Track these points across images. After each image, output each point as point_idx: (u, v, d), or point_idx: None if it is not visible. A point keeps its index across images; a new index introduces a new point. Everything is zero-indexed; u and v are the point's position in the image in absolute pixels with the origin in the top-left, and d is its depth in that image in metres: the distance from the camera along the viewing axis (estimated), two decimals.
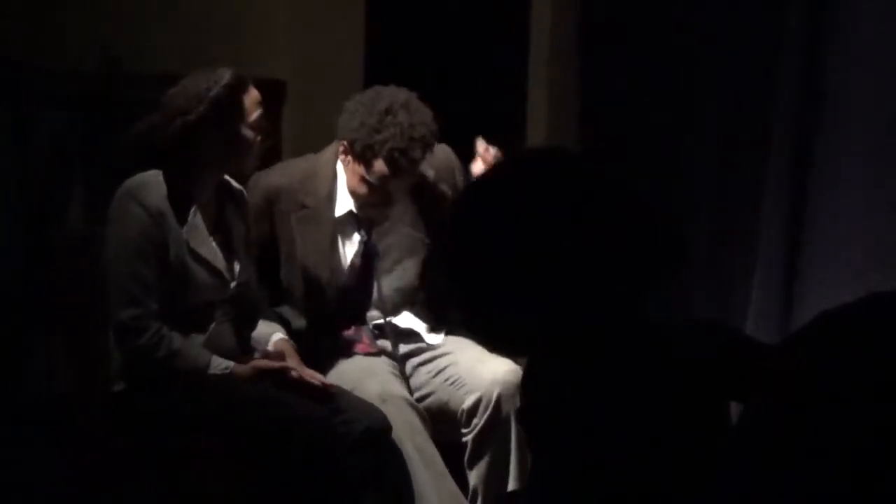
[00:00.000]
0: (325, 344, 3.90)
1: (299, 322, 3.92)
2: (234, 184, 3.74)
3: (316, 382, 3.63)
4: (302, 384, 3.61)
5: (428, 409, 3.86)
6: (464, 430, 3.82)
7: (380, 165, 3.74)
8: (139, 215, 3.50)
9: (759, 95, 4.17)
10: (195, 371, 3.53)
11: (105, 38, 4.70)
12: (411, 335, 3.98)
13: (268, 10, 5.10)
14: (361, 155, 3.75)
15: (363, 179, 3.79)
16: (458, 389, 3.85)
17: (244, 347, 3.72)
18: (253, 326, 3.78)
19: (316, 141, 4.01)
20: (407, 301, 3.99)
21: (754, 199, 4.19)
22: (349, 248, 3.92)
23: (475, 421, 3.80)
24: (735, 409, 2.16)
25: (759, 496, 1.84)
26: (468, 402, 3.80)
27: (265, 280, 3.85)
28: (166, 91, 3.57)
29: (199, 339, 3.58)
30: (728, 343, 2.25)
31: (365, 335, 3.93)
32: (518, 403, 3.73)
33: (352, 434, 3.55)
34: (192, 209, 3.57)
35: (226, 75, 3.55)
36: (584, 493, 2.12)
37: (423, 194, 3.92)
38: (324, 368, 3.79)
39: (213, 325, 3.61)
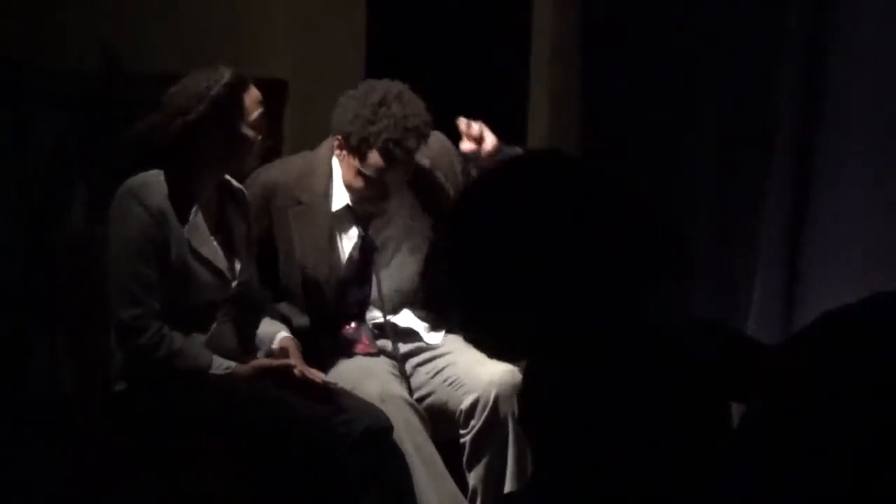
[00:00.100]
0: (325, 343, 3.90)
1: (300, 320, 3.91)
2: (235, 183, 3.74)
3: (319, 380, 3.63)
4: (304, 382, 3.60)
5: (427, 410, 3.86)
6: (462, 432, 3.82)
7: (375, 157, 3.75)
8: (140, 215, 3.50)
9: (760, 95, 4.17)
10: (196, 371, 3.53)
11: (105, 38, 4.70)
12: (411, 335, 3.98)
13: (268, 9, 5.10)
14: (356, 148, 3.76)
15: (359, 172, 3.79)
16: (456, 390, 3.85)
17: (246, 347, 3.72)
18: (255, 326, 3.78)
19: (317, 140, 4.01)
20: (406, 298, 3.99)
21: (755, 200, 4.19)
22: (347, 243, 3.92)
23: (473, 422, 3.80)
24: (736, 409, 2.16)
25: (759, 496, 1.84)
26: (466, 402, 3.80)
27: (266, 278, 3.85)
28: (166, 91, 3.57)
29: (200, 339, 3.58)
30: (728, 343, 2.25)
31: (365, 335, 3.93)
32: (515, 404, 3.75)
33: (352, 434, 3.55)
34: (194, 209, 3.57)
35: (226, 74, 3.55)
36: (584, 494, 2.12)
37: (420, 184, 3.92)
38: (324, 368, 3.78)
39: (214, 325, 3.61)
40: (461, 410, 3.82)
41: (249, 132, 3.58)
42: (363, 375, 3.82)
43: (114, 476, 3.60)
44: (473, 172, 3.90)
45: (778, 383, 1.90)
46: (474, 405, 3.80)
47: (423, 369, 3.95)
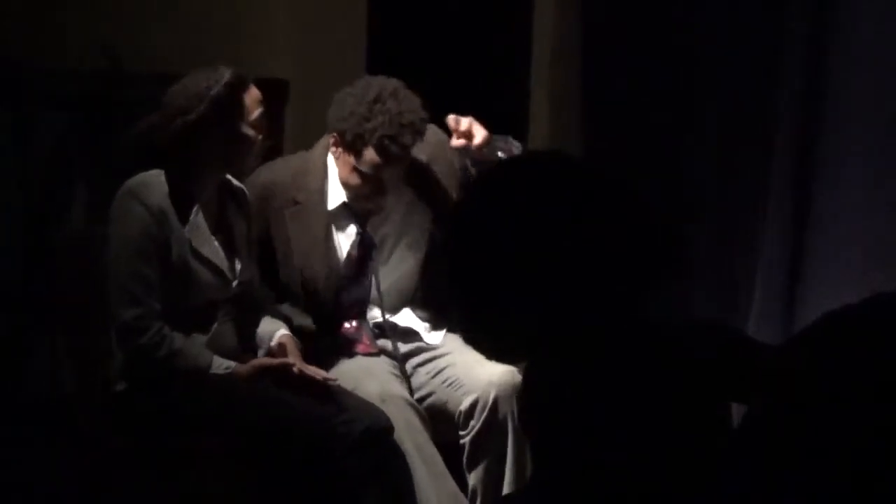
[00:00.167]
0: (325, 343, 3.90)
1: (300, 320, 3.91)
2: (236, 182, 3.74)
3: (318, 377, 3.62)
4: (303, 380, 3.60)
5: (427, 410, 3.86)
6: (461, 432, 3.81)
7: (371, 154, 3.75)
8: (141, 215, 3.50)
9: (760, 95, 4.17)
10: (196, 371, 3.53)
11: (105, 38, 4.70)
12: (411, 334, 3.98)
13: (269, 9, 5.11)
14: (352, 144, 3.76)
15: (355, 169, 3.79)
16: (455, 391, 3.85)
17: (246, 347, 3.71)
18: (256, 325, 3.78)
19: (318, 140, 4.01)
20: (406, 296, 3.99)
21: (755, 200, 4.19)
22: (345, 241, 3.92)
23: (472, 423, 3.79)
24: (736, 409, 2.16)
25: (759, 496, 1.84)
26: (465, 403, 3.80)
27: (266, 279, 3.85)
28: (166, 91, 3.57)
29: (200, 339, 3.58)
30: (728, 343, 2.25)
31: (366, 334, 3.93)
32: (515, 405, 3.75)
33: (352, 434, 3.55)
34: (194, 208, 3.57)
35: (226, 74, 3.55)
36: (584, 494, 2.12)
37: (417, 180, 3.92)
38: (324, 368, 3.78)
39: (215, 325, 3.61)
40: (460, 411, 3.81)
41: (250, 132, 3.58)
42: (364, 375, 3.81)
43: (114, 476, 3.60)
44: (472, 170, 3.89)
45: (778, 383, 1.90)
46: (473, 406, 3.80)
47: (423, 370, 3.95)
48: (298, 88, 4.98)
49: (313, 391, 3.59)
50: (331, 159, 3.87)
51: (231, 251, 3.67)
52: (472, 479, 3.82)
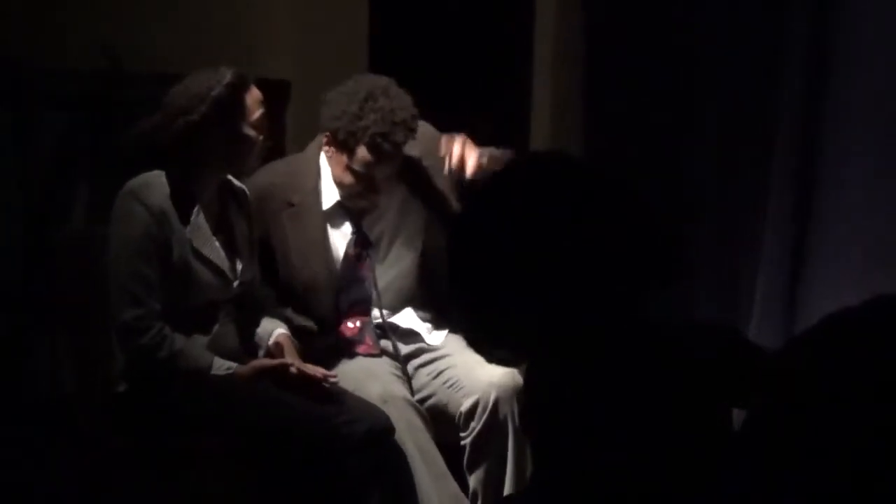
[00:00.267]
0: (326, 343, 3.90)
1: (300, 320, 3.91)
2: (237, 183, 3.75)
3: (318, 376, 3.62)
4: (302, 379, 3.60)
5: (429, 411, 3.86)
6: (462, 434, 3.81)
7: (363, 152, 3.75)
8: (142, 215, 3.50)
9: (760, 95, 4.17)
10: (197, 372, 3.53)
11: (105, 38, 4.70)
12: (412, 335, 3.98)
13: (270, 10, 5.11)
14: (344, 143, 3.76)
15: (348, 168, 3.79)
16: (456, 392, 3.85)
17: (248, 348, 3.71)
18: (257, 326, 3.78)
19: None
20: (406, 295, 3.99)
21: (755, 200, 4.19)
22: (341, 241, 3.92)
23: (473, 424, 3.80)
24: (737, 410, 2.16)
25: (759, 496, 1.84)
26: (466, 405, 3.80)
27: (267, 280, 3.85)
28: (167, 91, 3.57)
29: (201, 340, 3.58)
30: (728, 344, 2.25)
31: (368, 335, 3.93)
32: (515, 406, 3.75)
33: (355, 434, 3.55)
34: (195, 209, 3.57)
35: (227, 75, 3.55)
36: (584, 494, 2.12)
37: (410, 177, 3.92)
38: (325, 368, 3.78)
39: (216, 327, 3.61)
40: (461, 412, 3.81)
41: (251, 132, 3.58)
42: (365, 376, 3.82)
43: (114, 476, 3.60)
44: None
45: (778, 384, 1.90)
46: (474, 407, 3.80)
47: (424, 370, 3.95)
48: (300, 89, 4.98)
49: (313, 391, 3.59)
50: (324, 159, 3.88)
51: (232, 251, 3.67)
52: (473, 480, 3.82)
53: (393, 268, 3.97)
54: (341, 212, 3.91)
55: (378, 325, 3.96)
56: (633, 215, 2.19)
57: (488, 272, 2.17)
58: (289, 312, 3.91)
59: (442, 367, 3.92)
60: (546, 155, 2.45)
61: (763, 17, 4.15)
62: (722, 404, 2.18)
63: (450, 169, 3.86)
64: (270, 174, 3.91)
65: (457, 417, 3.83)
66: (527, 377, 2.30)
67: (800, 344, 1.95)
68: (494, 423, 3.78)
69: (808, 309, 4.01)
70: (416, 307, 4.01)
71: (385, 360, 3.93)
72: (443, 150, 3.87)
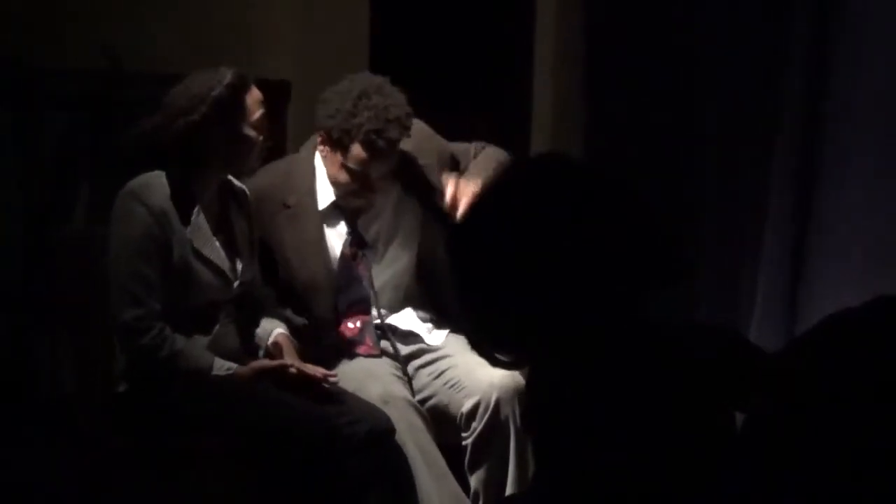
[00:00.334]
0: (326, 344, 3.90)
1: (300, 321, 3.91)
2: (237, 183, 3.74)
3: (318, 375, 3.62)
4: (302, 379, 3.60)
5: (429, 412, 3.85)
6: (463, 434, 3.81)
7: (357, 150, 3.75)
8: (142, 215, 3.50)
9: (760, 95, 4.17)
10: (198, 373, 3.52)
11: (105, 38, 4.70)
12: (412, 336, 3.98)
13: (270, 10, 5.10)
14: (339, 141, 3.76)
15: (343, 167, 3.79)
16: (457, 393, 3.84)
17: (248, 348, 3.71)
18: (257, 326, 3.77)
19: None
20: (406, 294, 3.99)
21: (756, 200, 4.19)
22: (337, 241, 3.92)
23: (474, 425, 3.79)
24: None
25: (759, 496, 1.84)
26: (467, 405, 3.80)
27: (266, 281, 3.85)
28: (168, 91, 3.57)
29: (202, 340, 3.57)
30: (728, 344, 2.25)
31: (368, 336, 3.92)
32: (517, 407, 3.74)
33: (356, 435, 3.55)
34: (196, 209, 3.57)
35: (228, 75, 3.55)
36: (585, 494, 2.12)
37: (405, 175, 3.92)
38: (326, 369, 3.78)
39: (217, 327, 3.61)
40: (462, 413, 3.81)
41: (251, 133, 3.58)
42: (366, 377, 3.81)
43: (114, 476, 3.60)
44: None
45: (779, 384, 1.90)
46: (475, 408, 3.79)
47: (424, 371, 3.94)
48: (300, 89, 4.97)
49: (313, 391, 3.59)
50: (318, 160, 3.88)
51: (232, 252, 3.67)
52: (474, 480, 3.82)
53: (390, 267, 3.96)
54: (336, 212, 3.91)
55: (377, 326, 3.95)
56: (633, 215, 2.19)
57: (488, 272, 2.17)
58: (288, 313, 3.91)
59: (443, 368, 3.91)
60: (546, 156, 2.45)
61: (763, 17, 4.16)
62: (722, 405, 2.18)
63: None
64: (266, 176, 3.90)
65: (458, 418, 3.82)
66: (529, 377, 2.30)
67: (800, 345, 1.96)
68: (496, 423, 3.78)
69: (808, 309, 4.01)
70: (416, 307, 4.01)
71: (385, 360, 3.93)
72: (443, 184, 3.88)
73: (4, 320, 4.78)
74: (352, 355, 3.91)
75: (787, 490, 1.80)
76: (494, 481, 3.79)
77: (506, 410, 3.78)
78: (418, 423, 3.78)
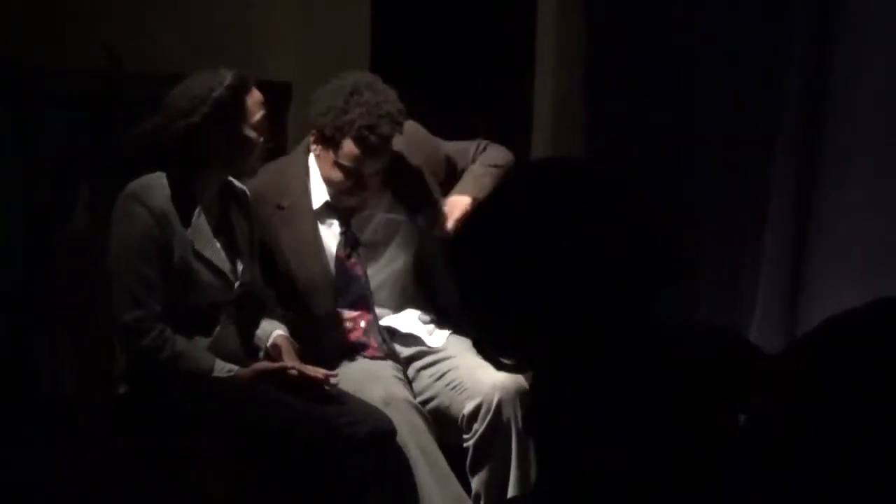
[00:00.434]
0: (327, 345, 3.89)
1: (300, 321, 3.91)
2: (238, 184, 3.74)
3: (319, 376, 3.62)
4: (303, 381, 3.60)
5: (431, 414, 3.85)
6: (465, 436, 3.81)
7: (350, 146, 3.75)
8: (143, 216, 3.50)
9: (760, 95, 4.18)
10: (198, 374, 3.52)
11: (105, 38, 4.70)
12: (412, 338, 3.97)
13: (271, 11, 5.10)
14: (331, 138, 3.76)
15: (336, 164, 3.79)
16: (459, 394, 3.84)
17: (249, 349, 3.71)
18: (258, 327, 3.77)
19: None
20: (405, 294, 3.99)
21: (756, 200, 4.19)
22: (332, 241, 3.91)
23: (476, 426, 3.79)
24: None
25: (759, 496, 1.84)
26: (469, 407, 3.79)
27: (266, 282, 3.85)
28: (168, 91, 3.57)
29: (203, 342, 3.57)
30: (729, 344, 2.24)
31: (372, 337, 3.92)
32: (518, 409, 3.74)
33: (356, 436, 3.55)
34: (196, 210, 3.57)
35: (228, 76, 3.55)
36: (585, 494, 2.12)
37: (397, 175, 3.92)
38: (327, 370, 3.78)
39: (218, 329, 3.61)
40: (464, 415, 3.80)
41: (251, 134, 3.58)
42: (367, 379, 3.81)
43: (114, 476, 3.60)
44: None
45: (779, 384, 1.90)
46: (477, 410, 3.79)
47: (426, 373, 3.94)
48: (301, 90, 4.97)
49: (314, 392, 3.58)
50: (312, 160, 3.88)
51: (233, 253, 3.67)
52: (476, 482, 3.81)
53: (388, 268, 3.96)
54: (329, 212, 3.90)
55: (380, 328, 3.95)
56: (633, 216, 2.19)
57: (489, 272, 2.17)
58: (289, 314, 3.90)
59: (444, 370, 3.91)
60: (547, 159, 2.46)
61: (763, 17, 4.16)
62: (722, 405, 2.18)
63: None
64: (258, 179, 3.89)
65: (459, 419, 3.82)
66: (532, 379, 2.30)
67: (800, 345, 1.95)
68: (497, 425, 3.77)
69: (808, 309, 4.01)
70: (417, 308, 4.00)
71: (387, 362, 3.92)
72: (444, 209, 3.88)
73: (4, 320, 4.78)
74: (353, 357, 3.90)
75: (787, 490, 1.80)
76: (496, 483, 3.79)
77: (507, 412, 3.77)
78: (420, 424, 3.78)
